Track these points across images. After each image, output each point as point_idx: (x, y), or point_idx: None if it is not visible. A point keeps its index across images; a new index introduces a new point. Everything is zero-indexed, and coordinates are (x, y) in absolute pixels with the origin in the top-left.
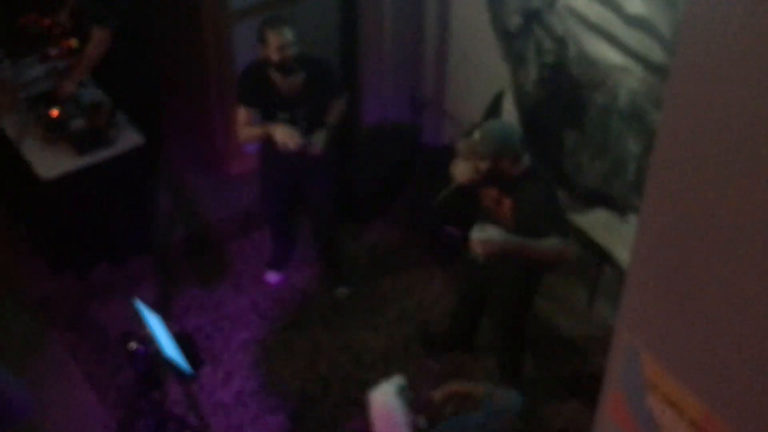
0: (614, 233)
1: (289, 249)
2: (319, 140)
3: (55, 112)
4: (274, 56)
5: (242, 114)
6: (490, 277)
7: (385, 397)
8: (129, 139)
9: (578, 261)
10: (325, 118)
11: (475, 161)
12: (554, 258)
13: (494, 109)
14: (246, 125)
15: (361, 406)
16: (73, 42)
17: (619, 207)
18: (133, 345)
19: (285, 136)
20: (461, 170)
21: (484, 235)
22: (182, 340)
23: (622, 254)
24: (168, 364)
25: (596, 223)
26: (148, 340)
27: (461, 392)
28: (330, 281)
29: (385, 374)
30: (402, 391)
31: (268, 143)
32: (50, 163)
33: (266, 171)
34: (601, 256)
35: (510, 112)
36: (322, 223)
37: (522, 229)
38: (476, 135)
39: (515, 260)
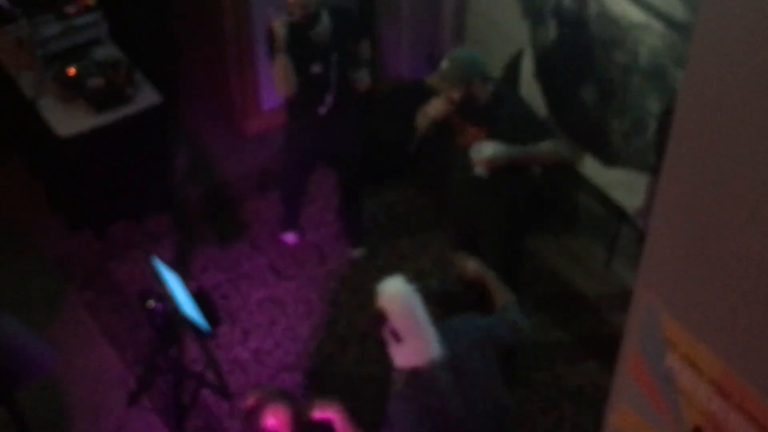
0: (633, 192)
1: (301, 209)
2: (363, 76)
3: (72, 71)
4: (297, 13)
5: (273, 67)
6: (481, 207)
7: (396, 286)
8: (147, 97)
9: (596, 220)
10: (359, 57)
11: (447, 92)
12: (554, 157)
13: (513, 67)
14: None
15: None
16: (90, 0)
17: (639, 166)
18: (151, 303)
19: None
20: (434, 106)
21: (484, 153)
22: (200, 298)
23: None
24: (186, 322)
25: (614, 182)
26: (166, 298)
27: (487, 284)
28: (348, 241)
29: None
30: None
31: (295, 110)
32: (68, 121)
33: (293, 137)
34: (619, 216)
35: (529, 71)
36: (350, 182)
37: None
38: (445, 64)
39: (501, 196)
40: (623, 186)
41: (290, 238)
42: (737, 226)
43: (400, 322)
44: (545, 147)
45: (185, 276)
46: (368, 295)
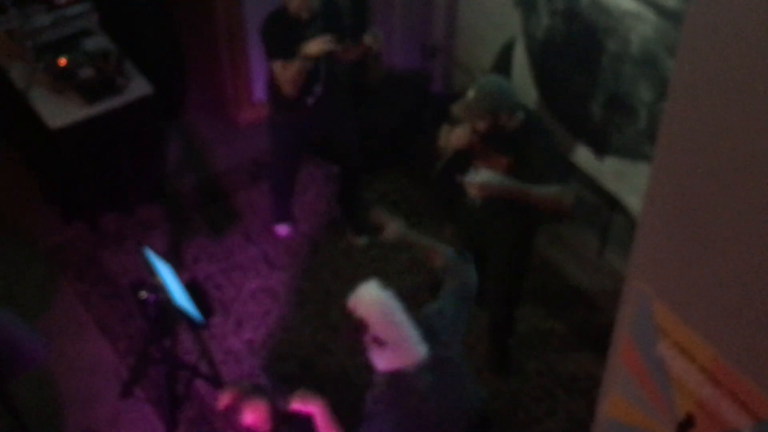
0: (625, 181)
1: (292, 200)
2: (371, 38)
3: (63, 61)
4: (300, 12)
5: (279, 66)
6: (487, 234)
7: (372, 293)
8: (138, 87)
9: (589, 209)
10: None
11: (472, 121)
12: (552, 204)
13: (505, 57)
14: (285, 72)
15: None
16: None
17: (631, 154)
18: (143, 294)
19: (320, 43)
20: (458, 135)
21: (479, 178)
22: (193, 289)
23: (633, 202)
24: (179, 312)
25: (607, 170)
26: (158, 289)
27: (415, 245)
28: (349, 230)
29: None
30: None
31: (283, 104)
32: (59, 112)
33: (279, 129)
34: (611, 204)
35: (521, 60)
36: (351, 171)
37: (525, 180)
38: (471, 93)
39: (512, 216)
40: (615, 174)
41: (283, 229)
42: (729, 214)
43: (381, 328)
44: (549, 191)
45: (178, 266)
46: (361, 283)
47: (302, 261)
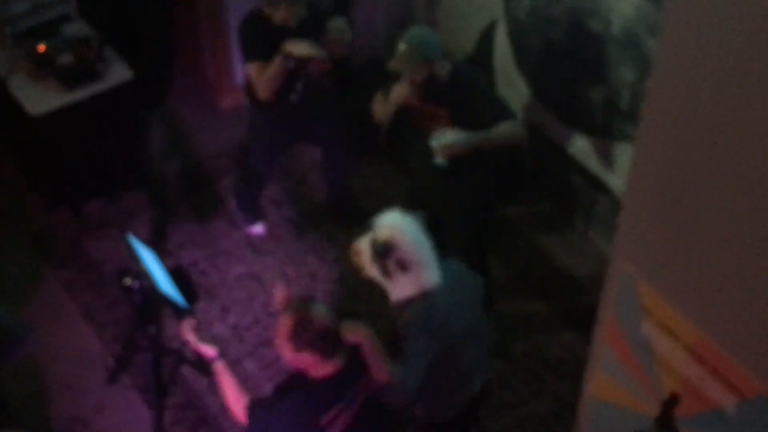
0: (608, 162)
1: (260, 197)
2: (335, 30)
3: (42, 48)
4: (287, 22)
5: (254, 69)
6: (444, 199)
7: (396, 216)
8: (118, 73)
9: (573, 190)
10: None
11: (411, 72)
12: (512, 140)
13: (487, 39)
14: (262, 74)
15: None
16: None
17: (614, 135)
18: (128, 280)
19: (307, 47)
20: (398, 92)
21: (445, 140)
22: (177, 275)
23: (617, 183)
24: (163, 299)
25: (590, 151)
26: (143, 276)
27: (366, 351)
28: (340, 219)
29: (380, 306)
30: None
31: (260, 113)
32: (39, 99)
33: (262, 128)
34: (595, 185)
35: (502, 43)
36: (337, 163)
37: (475, 127)
38: (403, 46)
39: (462, 183)
40: (599, 155)
41: (258, 229)
42: (711, 194)
43: (409, 250)
44: (503, 129)
45: (162, 253)
46: (346, 268)
47: (287, 246)
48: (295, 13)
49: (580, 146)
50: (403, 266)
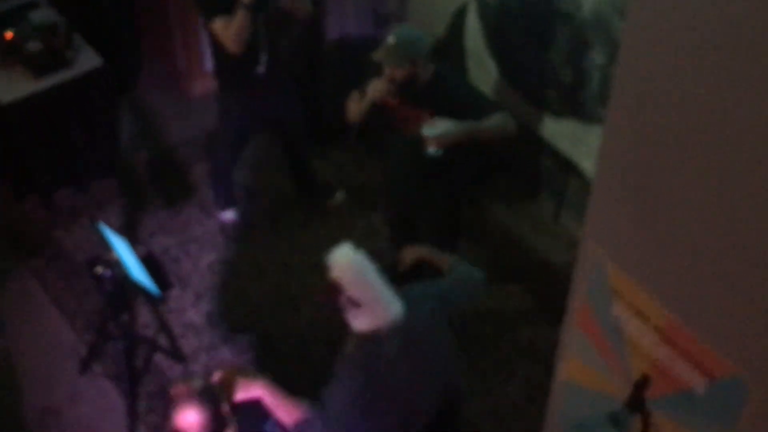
0: (580, 144)
1: (232, 183)
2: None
3: (9, 35)
4: None
5: (219, 25)
6: (418, 195)
7: (346, 255)
8: (87, 60)
9: (544, 173)
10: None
11: (394, 66)
12: (504, 131)
13: (458, 22)
14: (227, 29)
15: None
16: None
17: (585, 118)
18: (99, 269)
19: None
20: (375, 87)
21: (437, 131)
22: (149, 263)
23: (588, 166)
24: (136, 287)
25: (562, 134)
26: (114, 264)
27: (429, 260)
28: (318, 198)
29: None
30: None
31: (231, 76)
32: (7, 87)
33: (230, 108)
34: (566, 168)
35: (473, 26)
36: (297, 148)
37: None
38: (391, 40)
39: (444, 176)
40: (570, 138)
41: (229, 214)
42: (680, 176)
43: (356, 289)
44: (494, 120)
45: (134, 241)
46: (319, 254)
47: (260, 234)
48: None
49: (552, 128)
50: (355, 303)
